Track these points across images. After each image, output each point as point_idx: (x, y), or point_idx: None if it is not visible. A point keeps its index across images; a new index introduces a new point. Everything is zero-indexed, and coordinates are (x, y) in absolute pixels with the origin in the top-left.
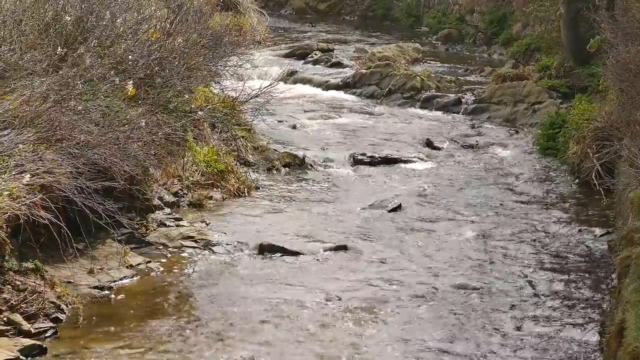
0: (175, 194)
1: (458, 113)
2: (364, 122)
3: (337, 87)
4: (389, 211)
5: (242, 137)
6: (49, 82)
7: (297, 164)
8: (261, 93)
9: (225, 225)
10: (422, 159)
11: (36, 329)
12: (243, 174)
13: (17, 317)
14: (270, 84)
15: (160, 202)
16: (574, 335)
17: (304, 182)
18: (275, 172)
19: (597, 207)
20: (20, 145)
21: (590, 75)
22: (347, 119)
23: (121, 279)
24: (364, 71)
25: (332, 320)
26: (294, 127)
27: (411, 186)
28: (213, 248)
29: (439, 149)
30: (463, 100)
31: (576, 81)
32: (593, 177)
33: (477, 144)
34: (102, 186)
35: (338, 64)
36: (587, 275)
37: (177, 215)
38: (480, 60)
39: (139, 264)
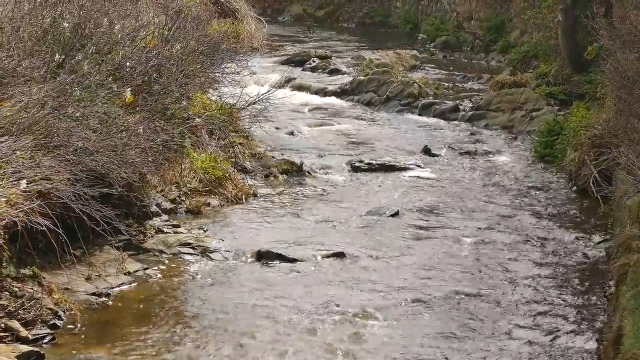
0: (172, 201)
1: (456, 120)
2: (362, 128)
3: (335, 94)
4: (387, 218)
5: (240, 143)
6: (46, 88)
7: (295, 171)
8: (259, 100)
9: (223, 232)
10: (419, 166)
11: (34, 335)
12: (241, 180)
13: (15, 324)
14: (268, 91)
15: (157, 208)
16: (571, 343)
17: (301, 188)
18: (273, 178)
19: (594, 214)
20: (18, 152)
21: (588, 82)
22: (344, 126)
23: (119, 286)
24: (362, 78)
25: (329, 327)
26: (292, 133)
27: (409, 193)
28: (210, 255)
29: (436, 155)
30: (461, 107)
31: (574, 88)
32: (590, 184)
33: (474, 151)
34: (99, 193)
35: (336, 71)
36: (584, 282)
37: (174, 222)
38: (478, 67)
39: (136, 271)
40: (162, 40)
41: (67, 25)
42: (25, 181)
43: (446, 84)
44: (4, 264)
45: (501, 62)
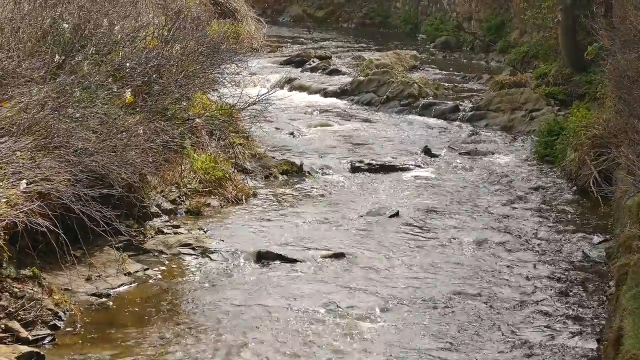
0: (172, 201)
1: (456, 120)
2: (362, 129)
3: (334, 95)
4: (387, 218)
5: (240, 144)
6: (46, 89)
7: (295, 171)
8: (259, 100)
9: (223, 232)
10: (419, 166)
11: (34, 336)
12: (241, 181)
13: (15, 325)
14: (268, 91)
15: (157, 209)
16: (571, 343)
17: (301, 189)
18: (273, 179)
19: (594, 215)
20: (18, 153)
21: (588, 82)
22: (345, 126)
23: (119, 286)
24: (362, 78)
25: (330, 328)
26: (292, 134)
27: (409, 193)
28: (211, 255)
29: (436, 156)
30: (461, 107)
31: (574, 88)
32: (591, 184)
33: (474, 151)
34: (99, 193)
35: (336, 71)
36: (584, 282)
37: (174, 223)
38: (478, 67)
39: (136, 272)
40: (162, 41)
41: (66, 26)
42: (25, 182)
43: (446, 84)
44: (4, 265)
45: (501, 62)
